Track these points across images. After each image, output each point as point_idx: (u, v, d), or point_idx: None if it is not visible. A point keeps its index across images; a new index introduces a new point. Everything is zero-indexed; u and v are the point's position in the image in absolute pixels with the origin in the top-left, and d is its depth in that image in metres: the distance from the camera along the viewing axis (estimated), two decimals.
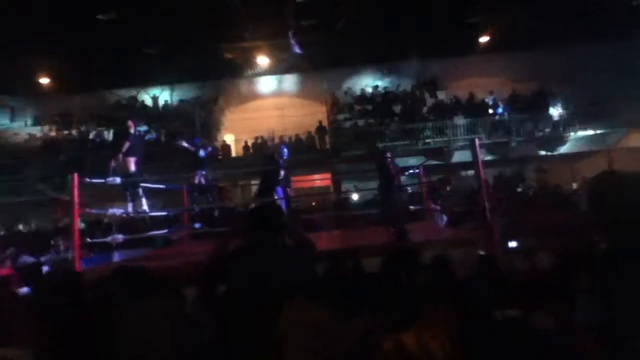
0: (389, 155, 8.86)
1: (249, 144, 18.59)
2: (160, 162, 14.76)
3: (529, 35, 16.67)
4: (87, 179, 6.40)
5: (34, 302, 3.90)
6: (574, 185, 15.50)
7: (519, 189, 16.14)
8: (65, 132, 19.16)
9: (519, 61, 19.36)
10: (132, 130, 7.52)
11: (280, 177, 8.14)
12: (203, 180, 9.47)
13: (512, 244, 5.82)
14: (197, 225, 9.35)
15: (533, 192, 15.63)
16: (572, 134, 17.50)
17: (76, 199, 5.95)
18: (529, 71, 19.30)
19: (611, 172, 1.86)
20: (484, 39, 18.29)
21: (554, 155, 17.90)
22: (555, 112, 17.97)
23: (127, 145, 7.39)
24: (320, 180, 17.28)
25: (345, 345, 2.39)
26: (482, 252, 5.11)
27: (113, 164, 7.32)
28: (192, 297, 3.51)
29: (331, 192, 16.16)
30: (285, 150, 8.43)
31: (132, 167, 7.45)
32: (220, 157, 17.61)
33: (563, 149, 17.62)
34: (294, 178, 14.91)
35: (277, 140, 18.27)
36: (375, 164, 8.38)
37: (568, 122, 17.63)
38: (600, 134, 17.40)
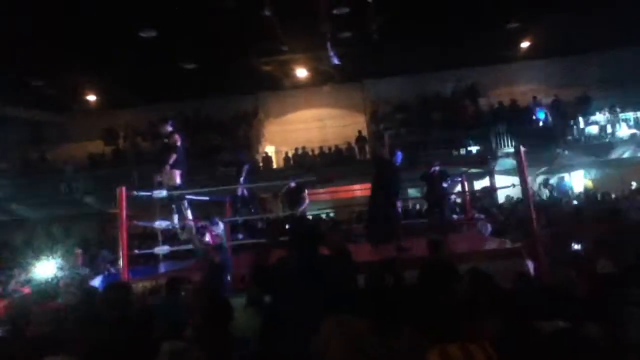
0: (436, 164, 8.81)
1: (289, 155, 18.75)
2: (203, 175, 15.10)
3: (570, 40, 16.32)
4: (134, 192, 6.59)
5: (84, 313, 4.03)
6: (624, 193, 14.98)
7: (566, 198, 15.73)
8: (112, 147, 19.83)
9: (560, 67, 18.95)
10: (178, 144, 7.69)
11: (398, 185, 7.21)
12: (246, 192, 9.63)
13: (559, 254, 5.69)
14: (240, 237, 9.51)
15: (580, 200, 15.21)
16: (619, 139, 16.92)
17: (124, 212, 6.13)
18: (571, 77, 18.85)
19: None
20: (524, 45, 17.98)
21: (602, 162, 17.36)
22: (602, 117, 17.41)
23: (174, 157, 7.55)
24: (360, 190, 17.23)
25: (390, 357, 2.38)
26: (528, 263, 5.01)
27: (159, 178, 7.50)
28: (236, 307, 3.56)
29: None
30: (400, 154, 7.19)
31: (178, 180, 7.62)
32: (261, 168, 17.82)
33: (612, 155, 17.03)
34: (333, 189, 14.98)
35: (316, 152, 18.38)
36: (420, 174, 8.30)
37: (615, 127, 17.06)
38: None
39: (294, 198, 9.56)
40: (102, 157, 19.58)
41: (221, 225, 7.10)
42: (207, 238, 8.55)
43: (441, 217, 8.65)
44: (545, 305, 3.01)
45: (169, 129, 7.92)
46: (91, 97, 19.90)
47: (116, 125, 20.28)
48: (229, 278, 5.37)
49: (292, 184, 9.51)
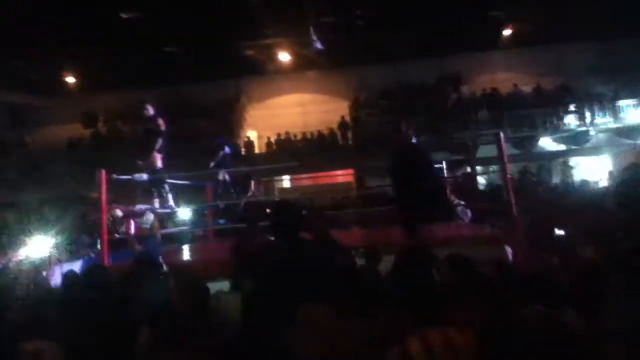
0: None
1: (272, 140, 18.69)
2: (184, 159, 14.94)
3: (552, 29, 16.43)
4: (114, 176, 6.51)
5: (63, 296, 3.99)
6: (602, 180, 15.22)
7: (545, 185, 15.92)
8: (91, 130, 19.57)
9: (541, 55, 19.09)
10: (163, 128, 7.61)
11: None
12: (227, 177, 9.57)
13: (538, 240, 5.76)
14: (221, 222, 9.46)
15: (559, 187, 15.42)
16: (598, 128, 17.18)
17: (104, 196, 6.06)
18: (552, 65, 19.02)
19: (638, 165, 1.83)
20: (506, 33, 18.06)
21: (581, 150, 17.61)
22: (581, 106, 17.65)
23: (159, 142, 7.48)
24: (342, 176, 17.28)
25: (369, 343, 2.40)
26: (507, 249, 5.07)
27: (140, 161, 7.42)
28: (217, 293, 3.55)
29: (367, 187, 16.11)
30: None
31: (159, 164, 7.55)
32: (243, 153, 17.75)
33: (590, 144, 17.29)
34: (315, 174, 14.98)
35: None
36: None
37: (595, 116, 17.30)
38: (628, 127, 17.03)
39: (241, 184, 9.50)
40: (81, 141, 19.30)
41: (150, 216, 6.88)
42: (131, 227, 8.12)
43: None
44: (525, 291, 3.04)
45: (151, 112, 7.82)
46: (71, 80, 19.56)
47: (96, 109, 19.98)
48: (162, 269, 5.15)
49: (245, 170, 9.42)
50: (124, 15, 14.01)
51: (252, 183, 9.59)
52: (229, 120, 19.30)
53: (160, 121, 7.67)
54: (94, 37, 14.81)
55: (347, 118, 18.94)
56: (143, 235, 6.62)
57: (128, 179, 7.02)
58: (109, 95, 19.59)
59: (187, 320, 2.81)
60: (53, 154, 18.37)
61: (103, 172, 6.18)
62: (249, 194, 9.46)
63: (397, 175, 6.40)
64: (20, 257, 7.82)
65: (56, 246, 8.98)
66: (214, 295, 3.27)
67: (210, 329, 2.86)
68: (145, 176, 6.98)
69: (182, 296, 2.95)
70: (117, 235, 6.96)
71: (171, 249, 7.99)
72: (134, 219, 7.00)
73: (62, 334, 2.72)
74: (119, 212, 6.88)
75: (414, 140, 6.64)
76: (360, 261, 4.60)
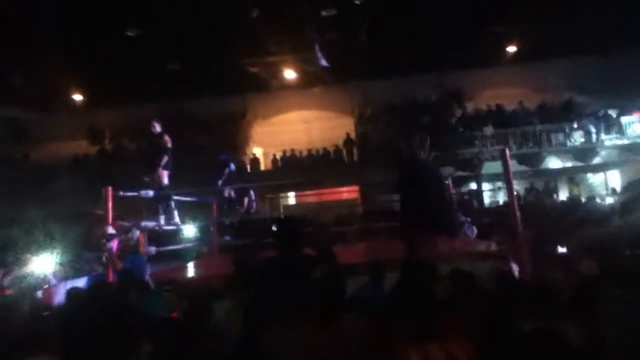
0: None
1: (277, 156, 18.75)
2: (190, 175, 14.99)
3: (556, 45, 16.50)
4: (121, 192, 6.54)
5: (67, 314, 4.00)
6: (607, 196, 15.15)
7: (551, 201, 15.86)
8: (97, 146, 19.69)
9: (546, 71, 19.14)
10: (169, 145, 7.65)
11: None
12: (233, 194, 9.59)
13: (543, 256, 5.73)
14: (226, 238, 9.46)
15: (565, 203, 15.36)
16: (605, 144, 17.13)
17: (110, 212, 6.09)
18: (557, 81, 19.06)
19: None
20: (511, 49, 18.14)
21: (586, 167, 17.55)
22: (587, 122, 17.63)
23: (165, 159, 7.52)
24: (347, 192, 17.28)
25: (371, 355, 2.39)
26: (512, 265, 5.05)
27: (147, 178, 7.46)
28: (220, 308, 3.55)
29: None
30: None
31: (166, 181, 7.58)
32: (249, 170, 17.81)
33: (597, 160, 17.23)
34: (320, 191, 14.97)
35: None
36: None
37: (600, 133, 17.27)
38: (633, 143, 16.97)
39: (238, 200, 9.42)
40: (86, 157, 19.42)
41: (136, 233, 6.77)
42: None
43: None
44: (530, 306, 3.03)
45: (158, 129, 7.87)
46: (77, 96, 19.74)
47: (102, 125, 20.12)
48: (147, 286, 5.10)
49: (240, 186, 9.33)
50: (130, 32, 14.17)
51: (246, 199, 9.47)
52: (234, 136, 19.38)
53: (167, 138, 7.71)
54: (100, 52, 14.98)
55: (352, 134, 18.98)
56: (126, 253, 6.53)
57: (134, 196, 7.04)
58: (115, 111, 19.71)
59: (188, 335, 2.82)
60: (58, 170, 18.45)
61: (109, 188, 6.21)
62: (243, 210, 9.37)
63: (406, 190, 6.33)
64: (14, 275, 7.79)
65: (60, 263, 8.99)
66: (215, 309, 3.27)
67: (211, 342, 2.86)
68: (151, 192, 7.00)
69: (183, 311, 2.96)
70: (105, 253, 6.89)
71: (175, 265, 7.99)
72: (119, 236, 6.92)
73: (62, 350, 2.72)
74: (110, 230, 6.84)
75: (424, 156, 6.53)
76: (364, 277, 4.60)
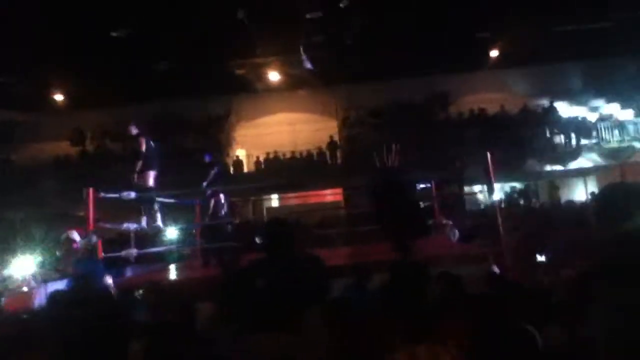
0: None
1: (261, 159, 18.70)
2: (173, 177, 14.88)
3: (539, 50, 16.74)
4: (102, 194, 6.47)
5: (52, 317, 3.94)
6: (586, 200, 15.39)
7: (532, 205, 16.05)
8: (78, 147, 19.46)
9: (528, 76, 19.42)
10: (143, 148, 7.56)
11: None
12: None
13: (525, 259, 5.81)
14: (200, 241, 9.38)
15: (545, 207, 15.56)
16: (585, 148, 17.39)
17: (91, 214, 6.02)
18: (539, 86, 19.37)
19: (616, 185, 1.88)
20: (494, 54, 18.33)
21: (567, 171, 17.79)
22: (567, 127, 17.90)
23: (139, 164, 7.44)
24: (331, 195, 17.30)
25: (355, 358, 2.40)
26: (494, 267, 5.10)
27: (135, 180, 7.39)
28: (204, 312, 3.53)
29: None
30: None
31: (151, 182, 7.52)
32: (232, 172, 17.73)
33: (577, 164, 17.47)
34: (304, 193, 14.96)
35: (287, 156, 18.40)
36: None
37: (580, 137, 17.52)
38: (613, 148, 17.26)
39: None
40: (68, 158, 19.19)
41: (94, 237, 6.64)
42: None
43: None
44: (512, 307, 3.07)
45: (134, 131, 7.80)
46: (59, 97, 19.49)
47: (84, 126, 19.89)
48: (108, 292, 5.03)
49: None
50: (114, 32, 14.03)
51: (213, 202, 9.15)
52: (217, 138, 19.31)
53: (142, 140, 7.62)
54: (83, 53, 14.80)
55: (336, 137, 19.02)
56: (83, 258, 6.37)
57: (116, 197, 6.96)
58: (97, 112, 19.51)
59: (172, 336, 2.80)
60: (39, 171, 18.19)
61: (90, 189, 6.15)
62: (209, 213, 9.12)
63: (377, 196, 6.64)
64: None
65: (40, 265, 8.87)
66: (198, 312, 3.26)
67: (196, 345, 2.84)
68: (133, 194, 6.93)
69: (165, 314, 2.94)
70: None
71: (156, 268, 7.94)
72: (77, 241, 6.78)
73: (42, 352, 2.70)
74: (74, 235, 6.73)
75: (397, 163, 6.86)
76: (350, 279, 4.61)
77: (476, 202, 16.33)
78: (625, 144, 17.03)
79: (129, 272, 8.37)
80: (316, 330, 2.54)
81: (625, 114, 18.10)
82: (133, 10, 13.16)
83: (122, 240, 10.23)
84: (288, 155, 18.65)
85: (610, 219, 1.78)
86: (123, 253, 7.11)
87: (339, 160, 18.56)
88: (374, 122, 19.13)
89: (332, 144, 18.65)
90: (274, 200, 18.67)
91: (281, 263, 3.27)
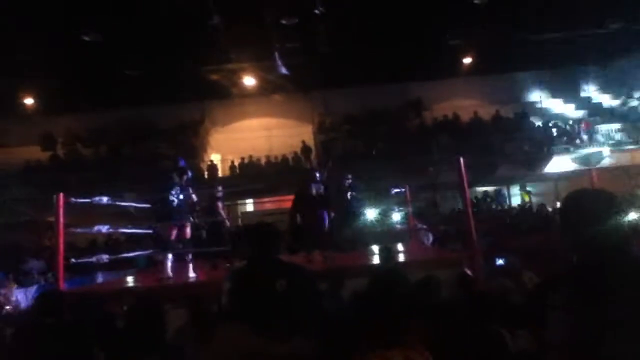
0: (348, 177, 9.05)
1: (235, 163, 18.61)
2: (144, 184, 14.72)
3: (511, 57, 17.08)
4: (72, 199, 6.35)
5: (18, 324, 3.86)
6: (558, 205, 15.67)
7: (503, 209, 16.29)
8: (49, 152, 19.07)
9: (500, 83, 19.78)
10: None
11: None
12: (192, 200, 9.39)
13: (495, 263, 5.89)
14: (181, 245, 9.26)
15: (516, 212, 15.81)
16: (556, 153, 17.74)
17: (61, 219, 5.90)
18: (511, 93, 19.75)
19: (580, 191, 1.94)
20: (466, 61, 18.61)
21: (538, 176, 18.11)
22: (540, 132, 18.26)
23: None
24: None
25: None
26: (466, 272, 5.15)
27: None
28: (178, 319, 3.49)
29: None
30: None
31: None
32: (206, 176, 17.61)
33: (548, 169, 17.80)
34: (279, 198, 14.89)
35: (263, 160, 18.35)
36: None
37: (551, 143, 17.88)
38: (585, 154, 17.64)
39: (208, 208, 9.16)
40: (40, 164, 18.79)
41: None
42: None
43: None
44: (482, 311, 3.11)
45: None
46: (29, 101, 19.10)
47: (55, 131, 19.52)
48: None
49: (218, 194, 9.07)
50: (84, 37, 13.81)
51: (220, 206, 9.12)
52: (192, 143, 19.16)
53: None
54: (53, 57, 14.54)
55: (309, 142, 19.05)
56: None
57: (87, 202, 6.84)
58: (68, 117, 19.21)
59: (140, 344, 2.76)
60: (9, 177, 17.75)
61: (61, 195, 6.02)
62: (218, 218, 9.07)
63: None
64: None
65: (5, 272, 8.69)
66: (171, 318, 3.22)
67: (166, 353, 2.81)
68: (105, 199, 6.83)
69: (133, 320, 2.90)
70: None
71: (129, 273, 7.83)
72: None
73: None
74: None
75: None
76: (323, 284, 4.61)
77: (449, 207, 16.50)
78: (594, 150, 17.44)
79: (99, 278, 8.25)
80: (290, 334, 2.54)
81: (595, 121, 18.56)
82: (105, 15, 12.98)
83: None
84: (263, 160, 18.60)
85: (574, 225, 1.82)
86: (93, 259, 6.98)
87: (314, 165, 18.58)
88: (350, 128, 19.23)
89: (305, 150, 18.67)
90: (249, 205, 18.57)
91: (260, 268, 3.24)
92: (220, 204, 8.88)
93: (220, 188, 9.06)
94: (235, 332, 2.60)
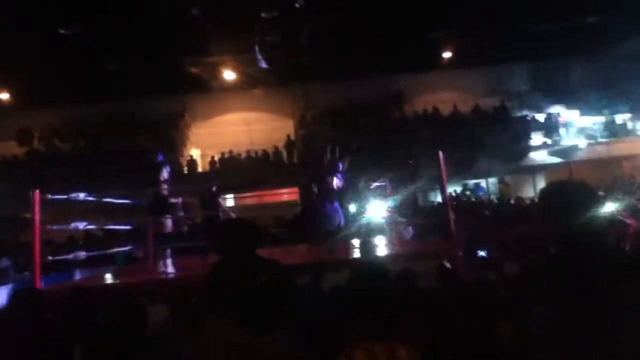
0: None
1: (216, 158, 18.47)
2: (123, 179, 14.55)
3: (491, 51, 17.19)
4: (49, 195, 6.26)
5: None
6: (534, 197, 15.90)
7: (482, 202, 16.43)
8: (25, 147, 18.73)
9: (480, 76, 19.92)
10: None
11: None
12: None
13: (475, 255, 5.94)
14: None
15: (495, 204, 15.97)
16: (534, 146, 17.97)
17: (37, 216, 5.82)
18: (491, 86, 19.90)
19: (557, 183, 1.95)
20: (446, 55, 18.70)
21: (516, 169, 18.31)
22: (518, 125, 18.46)
23: None
24: (287, 194, 17.23)
25: (317, 356, 2.41)
26: (447, 264, 5.20)
27: None
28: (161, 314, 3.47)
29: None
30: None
31: None
32: (185, 172, 17.47)
33: (526, 162, 18.02)
34: (260, 192, 14.87)
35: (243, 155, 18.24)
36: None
37: (530, 136, 18.09)
38: (562, 147, 17.89)
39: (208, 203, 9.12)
40: (17, 159, 18.44)
41: None
42: None
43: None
44: (464, 304, 3.13)
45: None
46: (5, 96, 18.73)
47: (32, 126, 19.16)
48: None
49: (213, 188, 9.03)
50: (63, 29, 13.57)
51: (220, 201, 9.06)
52: (171, 137, 18.96)
53: None
54: (31, 50, 14.24)
55: (293, 136, 18.99)
56: None
57: (64, 198, 6.75)
58: (45, 111, 18.86)
59: (121, 340, 2.74)
60: None
61: (37, 191, 5.93)
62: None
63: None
64: None
65: None
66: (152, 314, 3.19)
67: (148, 348, 2.79)
68: (81, 195, 6.73)
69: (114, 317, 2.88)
70: None
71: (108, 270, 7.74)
72: None
73: None
74: None
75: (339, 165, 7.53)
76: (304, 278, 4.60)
77: (429, 199, 16.63)
78: (572, 143, 17.70)
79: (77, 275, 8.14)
80: (275, 328, 2.54)
81: (573, 114, 18.83)
82: (84, 7, 12.76)
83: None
84: (244, 155, 18.50)
85: (551, 217, 1.84)
86: (71, 256, 6.89)
87: (295, 160, 18.53)
88: (331, 121, 19.20)
89: (289, 144, 18.61)
90: (230, 200, 18.47)
91: (241, 264, 3.22)
92: (219, 200, 8.87)
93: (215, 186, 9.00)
94: (218, 326, 2.59)
